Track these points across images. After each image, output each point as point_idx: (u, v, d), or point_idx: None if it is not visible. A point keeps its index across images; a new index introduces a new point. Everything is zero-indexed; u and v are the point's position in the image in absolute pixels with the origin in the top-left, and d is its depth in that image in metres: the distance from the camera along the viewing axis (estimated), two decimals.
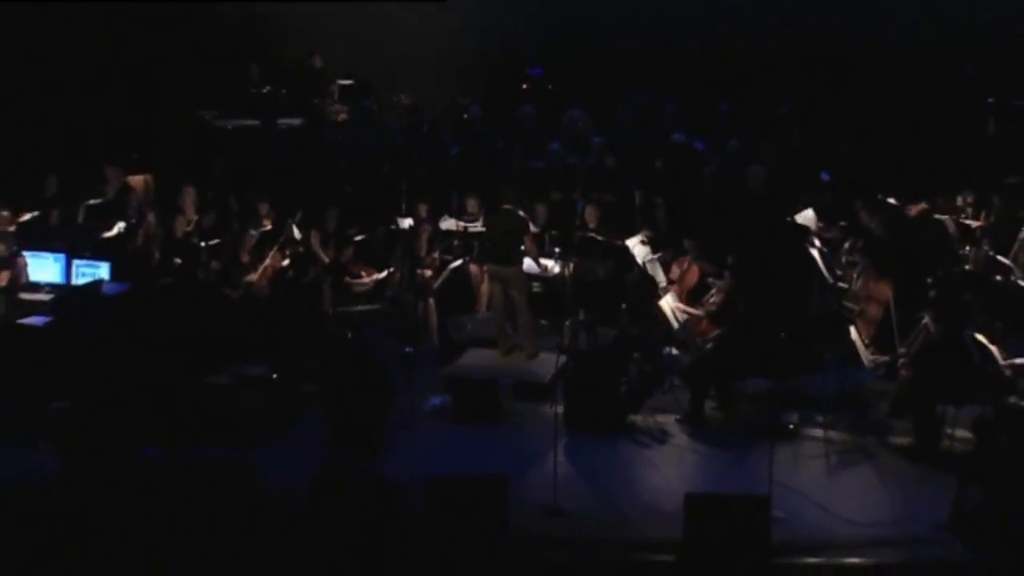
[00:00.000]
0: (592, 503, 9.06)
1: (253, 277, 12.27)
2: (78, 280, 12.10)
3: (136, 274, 12.08)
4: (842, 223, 12.79)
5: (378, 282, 12.99)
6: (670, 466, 9.82)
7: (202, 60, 16.70)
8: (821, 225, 12.69)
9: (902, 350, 10.18)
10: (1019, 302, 11.21)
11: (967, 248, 12.29)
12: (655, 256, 12.34)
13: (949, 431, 9.84)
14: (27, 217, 13.00)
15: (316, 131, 16.35)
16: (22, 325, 11.10)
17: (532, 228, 12.55)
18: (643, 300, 11.83)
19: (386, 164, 15.48)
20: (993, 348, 9.68)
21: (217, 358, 10.69)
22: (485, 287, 12.80)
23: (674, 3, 17.25)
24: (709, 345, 10.93)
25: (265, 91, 16.94)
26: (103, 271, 12.05)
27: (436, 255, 13.15)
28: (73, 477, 8.99)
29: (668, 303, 11.47)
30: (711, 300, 11.40)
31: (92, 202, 13.44)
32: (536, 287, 12.65)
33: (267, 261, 12.38)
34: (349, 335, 11.20)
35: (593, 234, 12.68)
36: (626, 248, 12.32)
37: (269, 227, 13.14)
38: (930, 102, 15.47)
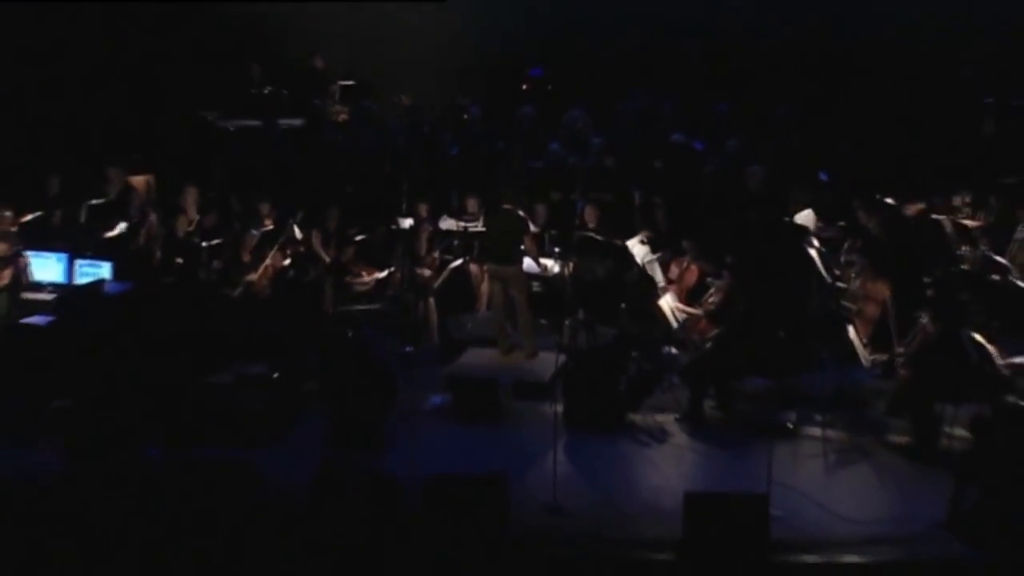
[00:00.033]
0: (592, 501, 9.08)
1: (253, 277, 12.31)
2: (80, 280, 12.13)
3: (138, 274, 12.12)
4: (840, 223, 12.82)
5: (379, 282, 13.03)
6: (669, 464, 9.84)
7: (203, 61, 16.72)
8: (820, 225, 12.74)
9: (900, 349, 10.22)
10: (1016, 301, 11.23)
11: (964, 248, 12.28)
12: (654, 256, 12.38)
13: (947, 430, 9.86)
14: (29, 217, 13.02)
15: (317, 131, 16.38)
16: (25, 324, 11.15)
17: (532, 228, 12.57)
18: (642, 299, 11.87)
19: (387, 164, 15.51)
20: (990, 347, 9.69)
21: (218, 357, 10.72)
22: (485, 286, 12.83)
23: (674, 3, 17.27)
24: (708, 344, 10.96)
25: (266, 92, 16.97)
26: (105, 271, 12.09)
27: (436, 255, 13.18)
28: (75, 476, 8.99)
29: (667, 303, 11.51)
30: (710, 300, 11.42)
31: (94, 202, 13.43)
32: (536, 287, 12.66)
33: (268, 261, 12.42)
34: (350, 334, 11.25)
35: (592, 234, 12.70)
36: (625, 248, 12.35)
37: (270, 227, 13.15)
38: (928, 102, 15.49)
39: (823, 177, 14.27)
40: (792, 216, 12.81)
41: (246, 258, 12.56)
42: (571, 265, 12.01)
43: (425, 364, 11.69)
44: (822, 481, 9.43)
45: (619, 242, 12.44)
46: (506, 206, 12.04)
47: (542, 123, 16.31)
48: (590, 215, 12.97)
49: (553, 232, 13.25)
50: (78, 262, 12.27)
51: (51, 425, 9.93)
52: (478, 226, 13.16)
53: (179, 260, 12.55)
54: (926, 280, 10.64)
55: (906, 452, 9.88)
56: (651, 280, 12.25)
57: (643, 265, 12.32)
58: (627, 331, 11.53)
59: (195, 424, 9.97)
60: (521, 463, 9.62)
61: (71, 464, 9.16)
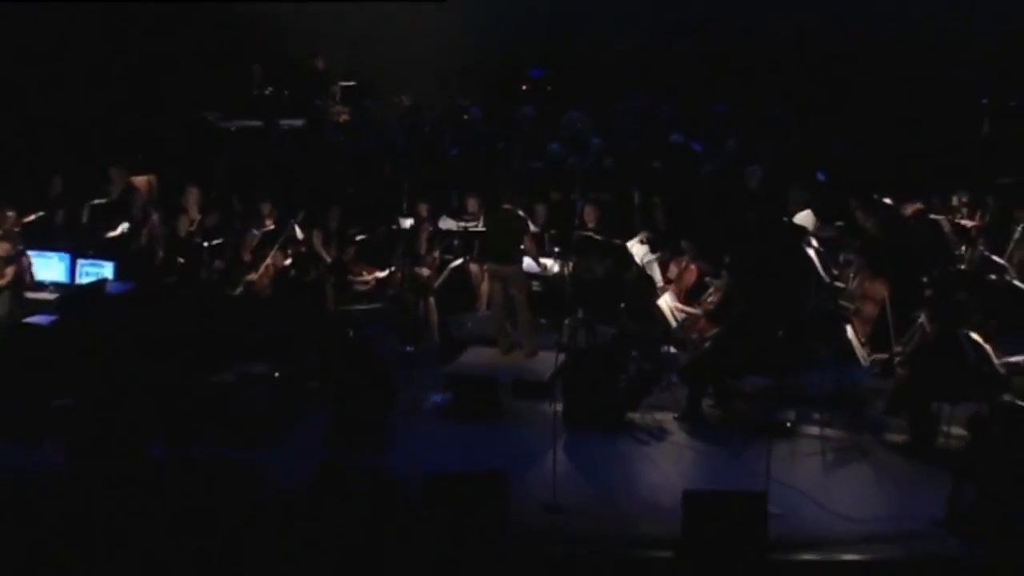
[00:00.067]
0: (591, 499, 9.10)
1: (254, 276, 12.34)
2: (82, 279, 12.19)
3: (140, 273, 12.15)
4: (839, 223, 12.86)
5: (379, 281, 13.05)
6: (668, 463, 9.86)
7: (205, 61, 16.76)
8: (818, 224, 12.78)
9: (898, 348, 10.25)
10: (1013, 301, 11.27)
11: (962, 248, 12.35)
12: (654, 256, 12.42)
13: (944, 428, 9.90)
14: (32, 217, 13.06)
15: (318, 132, 16.43)
16: (27, 324, 11.17)
17: (532, 228, 12.60)
18: (642, 299, 11.89)
19: (387, 164, 15.55)
20: (988, 347, 9.71)
21: (220, 357, 10.71)
22: (485, 286, 12.86)
23: (674, 3, 17.31)
24: (707, 344, 10.98)
25: (268, 92, 17.04)
26: (107, 270, 12.16)
27: (436, 254, 13.22)
28: (77, 475, 8.98)
29: (666, 302, 11.55)
30: (709, 299, 11.45)
31: (96, 202, 13.47)
32: (536, 286, 12.68)
33: (269, 260, 12.44)
34: (351, 334, 11.26)
35: (592, 234, 12.72)
36: (625, 247, 12.39)
37: (272, 227, 13.17)
38: (926, 103, 15.53)
39: (821, 177, 14.32)
40: (791, 216, 12.85)
41: (247, 258, 12.57)
42: (571, 265, 12.03)
43: (425, 363, 11.72)
44: (820, 479, 9.46)
45: (618, 242, 12.47)
46: (506, 206, 12.06)
47: (542, 123, 16.36)
48: (589, 215, 12.99)
49: (553, 232, 13.29)
50: (80, 262, 12.33)
51: (53, 424, 9.94)
52: (478, 226, 13.19)
53: (181, 260, 12.57)
54: (924, 280, 10.66)
55: (904, 451, 9.91)
56: (650, 280, 12.29)
57: (642, 265, 12.37)
58: (626, 330, 11.55)
59: (196, 423, 9.97)
60: (521, 462, 9.63)
61: (73, 463, 9.15)
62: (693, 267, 12.04)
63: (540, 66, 17.96)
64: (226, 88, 16.95)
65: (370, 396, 10.18)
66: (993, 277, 11.62)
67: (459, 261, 13.25)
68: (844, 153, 14.96)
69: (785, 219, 12.73)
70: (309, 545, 8.15)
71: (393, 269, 12.97)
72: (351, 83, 17.63)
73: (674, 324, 11.50)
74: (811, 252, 11.48)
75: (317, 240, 13.14)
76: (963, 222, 13.06)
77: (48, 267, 12.36)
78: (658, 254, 12.49)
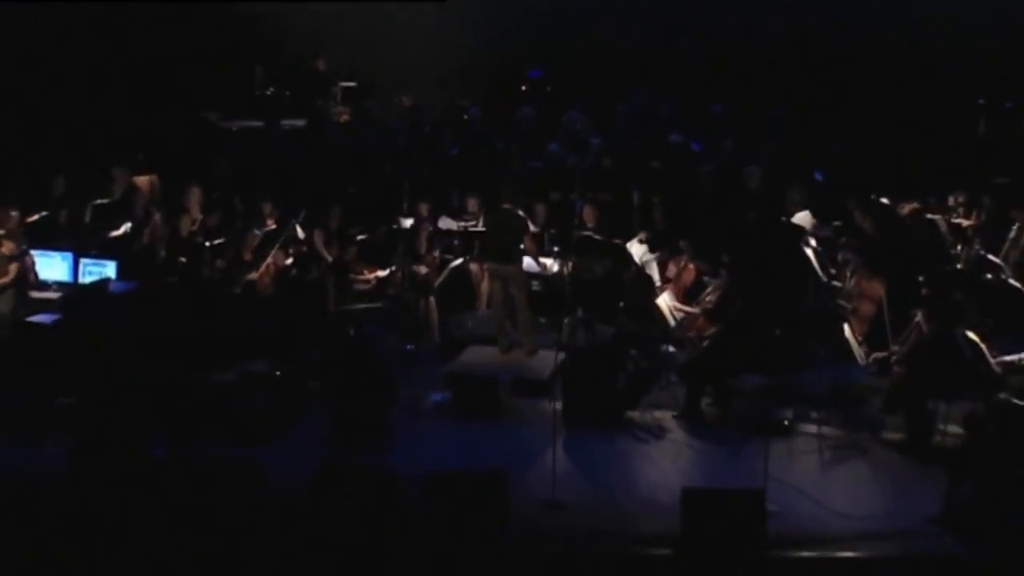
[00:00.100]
0: (590, 497, 9.14)
1: (255, 276, 12.38)
2: (85, 279, 12.22)
3: (142, 273, 12.17)
4: (836, 222, 12.90)
5: (380, 280, 13.07)
6: (667, 461, 9.89)
7: (206, 62, 16.80)
8: (816, 224, 12.81)
9: (895, 347, 10.28)
10: (1009, 300, 11.29)
11: (958, 247, 12.38)
12: (652, 255, 12.47)
13: (941, 427, 9.94)
14: (35, 217, 13.08)
15: (319, 132, 16.47)
16: (30, 323, 11.22)
17: (531, 227, 12.62)
18: (640, 298, 11.93)
19: (388, 164, 15.58)
20: (983, 345, 9.74)
21: (221, 356, 10.73)
22: (485, 285, 12.88)
23: (673, 3, 17.34)
24: (705, 342, 11.02)
25: (269, 93, 17.08)
26: (110, 270, 12.19)
27: (437, 254, 13.25)
28: (79, 474, 8.95)
29: (665, 301, 11.60)
30: (707, 298, 11.48)
31: (99, 202, 13.51)
32: (535, 285, 12.69)
33: (270, 260, 12.47)
34: (351, 333, 11.30)
35: (591, 233, 12.76)
36: (624, 247, 12.43)
37: (273, 226, 13.20)
38: (922, 103, 15.57)
39: (819, 177, 14.35)
40: (789, 216, 12.89)
41: (248, 257, 12.58)
42: (570, 264, 12.05)
43: (426, 362, 11.74)
44: (818, 477, 9.50)
45: (618, 241, 12.51)
46: (506, 206, 12.05)
47: (541, 124, 16.39)
48: (589, 215, 13.03)
49: (552, 231, 13.32)
50: (83, 261, 12.35)
51: (55, 423, 9.99)
52: (478, 225, 13.22)
53: (183, 259, 12.58)
54: (920, 279, 10.68)
55: (901, 448, 9.95)
56: (649, 279, 12.33)
57: (641, 264, 12.41)
58: (625, 329, 11.58)
59: (198, 422, 10.01)
60: (521, 460, 9.66)
61: (75, 462, 9.12)
62: (692, 266, 12.07)
63: (539, 66, 17.99)
64: (228, 88, 17.00)
65: (370, 395, 10.23)
66: (989, 276, 11.64)
67: (459, 261, 13.27)
68: (842, 153, 14.98)
69: (783, 219, 12.77)
70: (309, 545, 8.16)
71: (393, 268, 12.99)
72: (352, 83, 17.67)
73: (673, 323, 11.55)
74: (809, 252, 11.52)
75: (318, 240, 13.17)
76: (959, 222, 13.09)
77: (51, 266, 12.39)
78: (657, 254, 12.53)
